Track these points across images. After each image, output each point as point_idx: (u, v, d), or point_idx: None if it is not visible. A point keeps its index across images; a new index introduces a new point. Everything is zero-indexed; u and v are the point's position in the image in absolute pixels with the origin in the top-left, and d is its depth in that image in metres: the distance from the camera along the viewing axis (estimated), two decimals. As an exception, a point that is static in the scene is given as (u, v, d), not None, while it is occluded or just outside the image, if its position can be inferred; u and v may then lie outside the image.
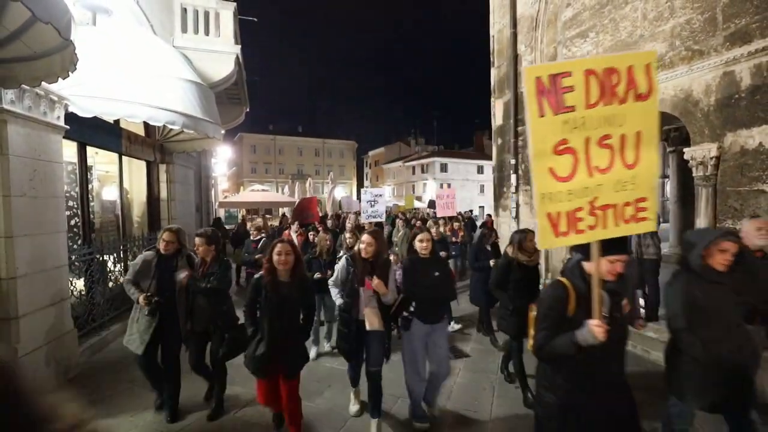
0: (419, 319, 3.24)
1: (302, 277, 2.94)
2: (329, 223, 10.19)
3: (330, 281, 3.43)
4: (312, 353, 4.54)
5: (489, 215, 17.06)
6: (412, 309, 3.22)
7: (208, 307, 3.32)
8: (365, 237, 3.20)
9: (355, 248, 3.30)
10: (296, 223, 7.99)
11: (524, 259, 3.77)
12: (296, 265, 2.88)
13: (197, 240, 3.40)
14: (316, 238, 5.20)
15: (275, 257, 2.78)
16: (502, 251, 5.41)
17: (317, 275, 4.65)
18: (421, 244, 3.32)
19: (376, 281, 3.07)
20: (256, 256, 5.92)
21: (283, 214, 13.54)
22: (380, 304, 3.16)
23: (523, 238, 3.82)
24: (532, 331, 2.19)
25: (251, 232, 6.79)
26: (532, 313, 2.23)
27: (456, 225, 9.22)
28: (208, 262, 3.43)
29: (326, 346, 4.98)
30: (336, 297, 3.38)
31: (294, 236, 7.39)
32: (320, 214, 11.69)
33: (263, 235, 7.03)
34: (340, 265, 3.35)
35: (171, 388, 3.42)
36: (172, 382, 3.43)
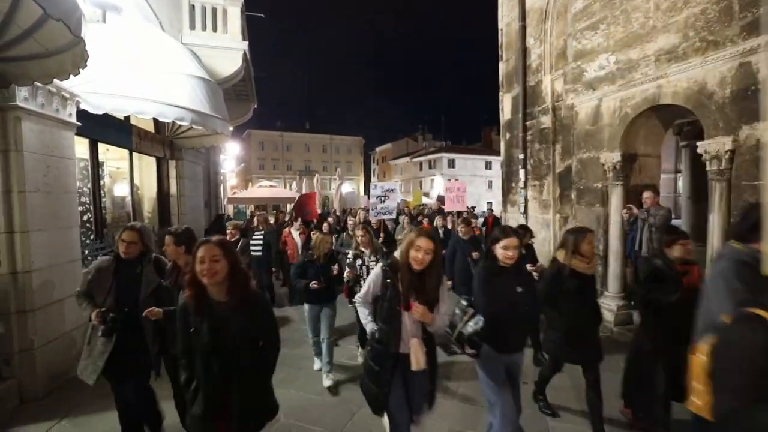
0: (493, 346, 2.52)
1: (245, 294, 1.96)
2: (330, 220, 9.63)
3: (357, 298, 2.58)
4: (316, 365, 4.25)
5: (491, 210, 16.83)
6: (480, 329, 2.41)
7: None
8: (422, 241, 2.27)
9: (396, 253, 2.45)
10: (299, 220, 7.72)
11: (581, 267, 2.94)
12: (232, 276, 1.92)
13: (166, 239, 2.93)
14: (314, 239, 4.31)
15: (197, 267, 1.86)
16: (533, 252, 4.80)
17: (314, 284, 3.95)
18: (505, 252, 2.53)
19: (419, 309, 2.23)
20: None
21: (279, 211, 12.55)
22: (426, 331, 2.40)
23: (580, 239, 2.97)
24: (698, 385, 1.51)
25: (228, 232, 5.76)
26: (699, 357, 1.51)
27: (474, 221, 8.68)
28: (183, 268, 2.79)
29: (326, 381, 3.96)
30: (366, 321, 2.50)
31: (295, 235, 7.16)
32: (318, 211, 11.24)
33: (262, 230, 6.81)
34: (373, 276, 2.48)
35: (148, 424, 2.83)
36: (145, 419, 2.84)
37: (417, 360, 2.28)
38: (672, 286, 2.77)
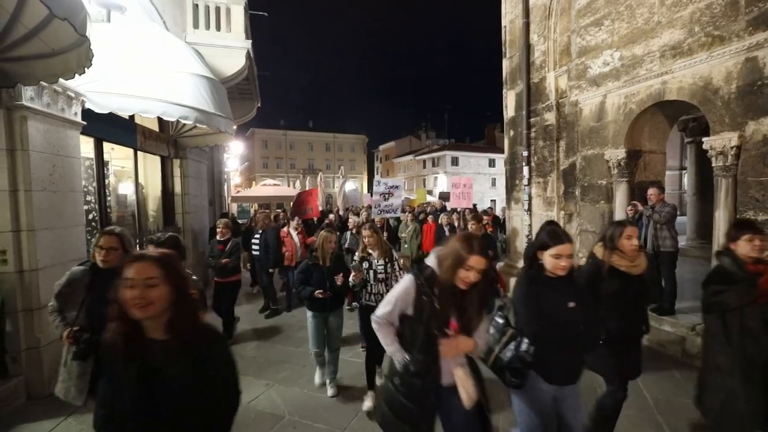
0: (541, 375, 2.05)
1: (193, 331, 1.43)
2: (332, 217, 9.28)
3: (375, 318, 2.00)
4: (317, 378, 3.85)
5: (490, 208, 16.72)
6: (525, 353, 2.01)
7: None
8: (476, 260, 1.81)
9: (429, 261, 1.96)
10: (296, 219, 7.28)
11: (622, 265, 2.50)
12: (176, 307, 1.39)
13: (149, 248, 2.58)
14: (316, 238, 3.82)
15: (125, 293, 1.35)
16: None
17: (319, 293, 3.58)
18: (557, 262, 2.04)
19: (453, 344, 1.86)
20: (223, 261, 5.13)
21: (283, 210, 11.71)
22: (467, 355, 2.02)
23: (617, 232, 2.54)
24: None
25: (218, 230, 5.47)
26: None
27: (485, 218, 7.76)
28: None
29: (329, 390, 3.77)
30: (393, 349, 1.96)
31: (293, 234, 6.77)
32: (320, 209, 10.64)
33: (261, 229, 6.57)
34: (401, 291, 1.96)
35: None
36: None
37: (467, 393, 1.81)
38: (745, 289, 2.32)
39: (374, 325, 2.01)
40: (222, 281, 5.37)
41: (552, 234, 2.14)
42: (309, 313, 3.81)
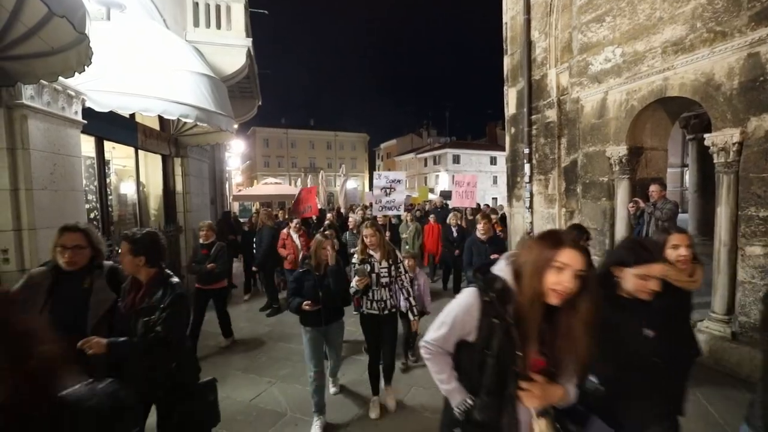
0: (609, 422, 1.62)
1: (43, 409, 0.81)
2: (330, 216, 9.06)
3: (426, 344, 1.51)
4: (314, 428, 3.17)
5: (487, 205, 16.64)
6: (592, 394, 1.61)
7: (144, 364, 2.05)
8: (570, 255, 1.29)
9: (498, 269, 1.44)
10: (294, 221, 6.81)
11: (679, 280, 2.09)
12: (13, 376, 0.77)
13: (122, 245, 2.19)
14: (312, 242, 3.45)
15: None
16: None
17: (306, 305, 3.14)
18: (644, 284, 1.65)
19: (549, 392, 1.36)
20: (209, 266, 4.87)
21: (287, 209, 11.16)
22: None
23: (661, 242, 2.18)
24: None
25: (201, 233, 5.15)
26: None
27: (494, 217, 7.35)
28: (144, 285, 2.15)
29: (331, 388, 3.76)
30: (449, 387, 1.47)
31: (294, 237, 6.44)
32: (319, 207, 10.23)
33: (257, 227, 6.51)
34: (460, 309, 1.45)
35: None
36: None
37: None
38: None
39: (424, 353, 1.51)
40: (204, 288, 4.97)
41: (637, 249, 1.71)
42: (303, 329, 3.34)
